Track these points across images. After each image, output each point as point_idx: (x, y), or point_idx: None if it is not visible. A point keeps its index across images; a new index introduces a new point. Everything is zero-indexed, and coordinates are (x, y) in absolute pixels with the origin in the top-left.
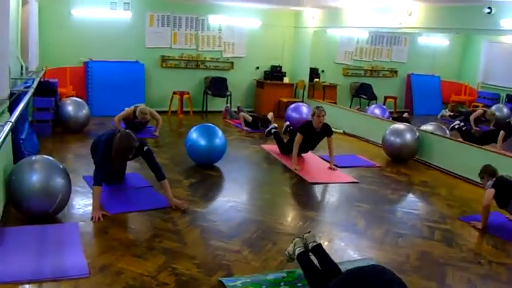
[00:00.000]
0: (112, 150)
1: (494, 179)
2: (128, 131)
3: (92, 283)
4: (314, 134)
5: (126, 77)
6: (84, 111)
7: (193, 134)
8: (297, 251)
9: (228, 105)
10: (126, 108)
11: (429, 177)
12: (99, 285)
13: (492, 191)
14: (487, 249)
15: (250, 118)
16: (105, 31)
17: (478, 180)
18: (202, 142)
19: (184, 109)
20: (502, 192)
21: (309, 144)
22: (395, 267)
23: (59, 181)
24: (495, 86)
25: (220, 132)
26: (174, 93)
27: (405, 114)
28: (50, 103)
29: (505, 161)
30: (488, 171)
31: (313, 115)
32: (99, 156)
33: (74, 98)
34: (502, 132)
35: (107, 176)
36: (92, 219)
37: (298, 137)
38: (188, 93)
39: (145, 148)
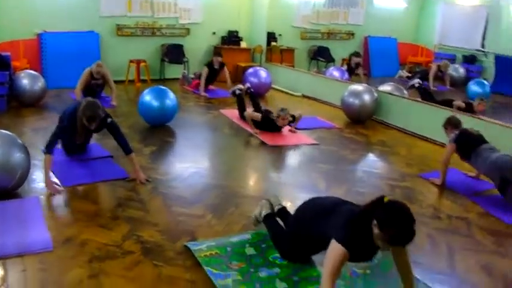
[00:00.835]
0: (77, 119)
1: (457, 131)
2: (93, 99)
3: (57, 256)
4: (276, 126)
5: (81, 47)
6: (40, 84)
7: (146, 97)
8: (263, 213)
9: (185, 71)
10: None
11: (388, 136)
12: (64, 258)
13: (453, 145)
14: (446, 205)
15: (207, 69)
16: (57, 1)
17: (435, 138)
18: (155, 103)
19: (142, 77)
20: (464, 145)
21: (272, 130)
22: None
23: (18, 156)
24: (451, 47)
25: (171, 94)
26: (131, 61)
27: (359, 70)
28: (4, 77)
29: (461, 118)
30: (452, 122)
31: (277, 117)
32: (62, 127)
33: (29, 71)
34: (462, 104)
35: (70, 147)
36: (50, 194)
37: (257, 116)
38: (145, 61)
39: (108, 120)
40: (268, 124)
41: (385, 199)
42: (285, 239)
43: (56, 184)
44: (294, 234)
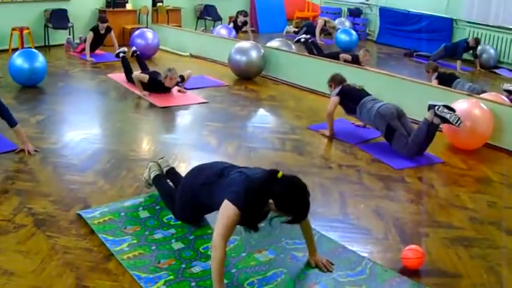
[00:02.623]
0: None
1: (339, 87)
2: None
3: None
4: (165, 87)
5: None
6: None
7: (17, 60)
8: (152, 175)
9: (70, 36)
10: None
11: (277, 91)
12: None
13: (336, 98)
14: (336, 154)
15: (92, 34)
16: None
17: (323, 90)
18: (25, 65)
19: (26, 45)
20: (348, 100)
21: (161, 91)
22: None
23: None
24: (337, 1)
25: (40, 56)
26: (13, 29)
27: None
28: None
29: (348, 70)
30: (335, 80)
31: (165, 78)
32: None
33: None
34: (348, 57)
35: None
36: None
37: (144, 77)
38: (28, 28)
39: None
40: (157, 85)
41: (279, 175)
42: (176, 204)
43: None
44: (184, 202)
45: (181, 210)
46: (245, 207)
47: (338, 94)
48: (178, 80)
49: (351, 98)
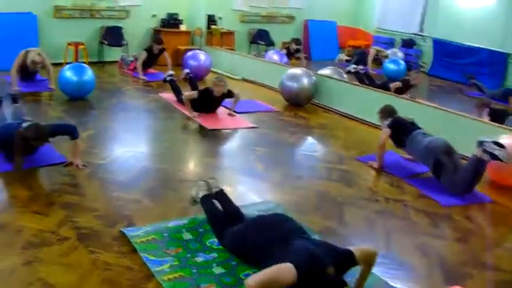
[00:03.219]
0: (17, 137)
1: (391, 119)
2: (34, 124)
3: None
4: (213, 98)
5: (18, 29)
6: None
7: (66, 72)
8: (201, 194)
9: (124, 54)
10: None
11: (327, 120)
12: None
13: (388, 130)
14: (383, 187)
15: (145, 53)
16: None
17: (374, 121)
18: (74, 78)
19: (80, 60)
20: (398, 132)
21: (210, 107)
22: (295, 208)
23: None
24: (390, 30)
25: (89, 70)
26: (69, 44)
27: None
28: None
29: (397, 102)
30: (386, 111)
31: (214, 84)
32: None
33: None
34: (398, 83)
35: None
36: None
37: (193, 94)
38: (83, 44)
39: (47, 130)
40: (206, 100)
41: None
42: (228, 237)
43: None
44: (239, 247)
45: (234, 249)
46: (303, 279)
47: (389, 126)
48: (225, 91)
49: (402, 130)
